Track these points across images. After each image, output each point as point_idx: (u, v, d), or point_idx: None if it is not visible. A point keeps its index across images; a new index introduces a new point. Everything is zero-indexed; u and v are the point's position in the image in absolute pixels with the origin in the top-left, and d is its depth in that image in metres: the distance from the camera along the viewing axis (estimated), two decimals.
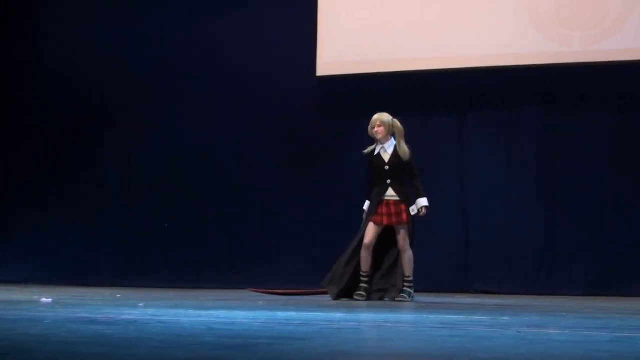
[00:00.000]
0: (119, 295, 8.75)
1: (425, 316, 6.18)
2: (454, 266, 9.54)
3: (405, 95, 11.16)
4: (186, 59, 12.15)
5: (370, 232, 8.51)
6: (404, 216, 8.50)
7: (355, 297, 8.45)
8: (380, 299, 8.52)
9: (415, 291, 8.88)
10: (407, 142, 8.64)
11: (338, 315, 5.99)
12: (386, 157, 8.57)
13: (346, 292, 8.54)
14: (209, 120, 11.97)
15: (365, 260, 8.51)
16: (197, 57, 12.10)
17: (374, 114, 8.64)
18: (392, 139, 8.61)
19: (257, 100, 11.83)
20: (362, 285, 8.50)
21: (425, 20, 11.05)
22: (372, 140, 8.67)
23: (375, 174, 8.62)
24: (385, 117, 8.58)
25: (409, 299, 8.33)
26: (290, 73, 11.68)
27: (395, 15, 11.17)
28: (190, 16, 12.23)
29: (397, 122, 8.61)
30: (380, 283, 8.61)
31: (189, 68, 12.12)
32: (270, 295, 8.95)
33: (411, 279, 8.46)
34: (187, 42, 12.17)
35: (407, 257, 8.46)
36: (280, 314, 6.05)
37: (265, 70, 11.80)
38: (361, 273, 8.52)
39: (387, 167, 8.55)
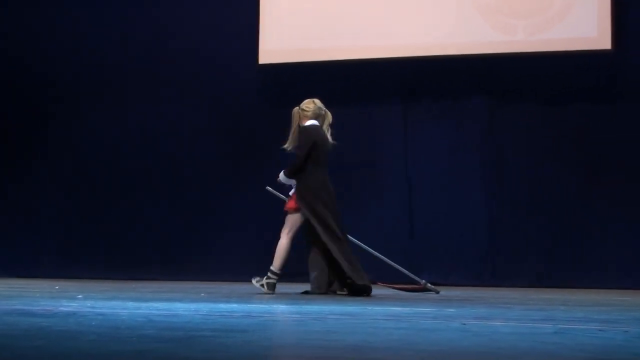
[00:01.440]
0: (57, 287, 8.62)
1: (370, 308, 6.14)
2: (399, 258, 9.51)
3: (349, 84, 11.13)
4: (127, 47, 11.99)
5: None
6: (289, 203, 8.22)
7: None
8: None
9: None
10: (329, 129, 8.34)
11: (281, 308, 5.93)
12: None
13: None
14: (150, 110, 11.83)
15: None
16: (138, 46, 11.96)
17: (314, 99, 8.49)
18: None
19: (199, 89, 11.72)
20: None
21: (369, 9, 11.00)
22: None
23: None
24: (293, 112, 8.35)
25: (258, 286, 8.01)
26: (233, 61, 11.60)
27: (339, 3, 11.11)
28: (131, 3, 12.08)
29: (294, 110, 8.31)
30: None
31: (130, 57, 11.97)
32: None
33: (275, 271, 8.08)
34: (128, 30, 12.01)
35: (279, 244, 8.17)
36: (223, 306, 5.98)
37: (207, 58, 11.69)
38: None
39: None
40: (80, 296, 6.91)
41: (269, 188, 8.64)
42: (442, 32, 10.74)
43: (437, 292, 8.42)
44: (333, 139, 8.36)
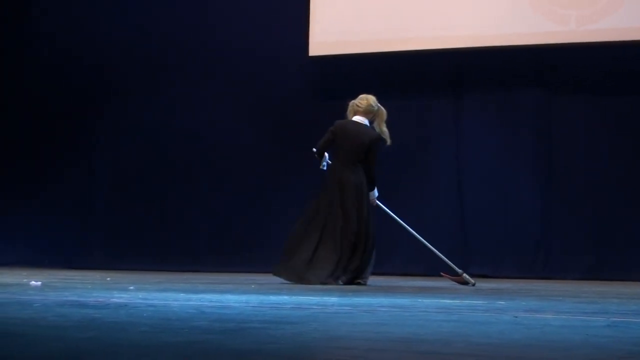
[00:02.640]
0: (109, 279, 8.69)
1: (420, 300, 6.12)
2: (450, 250, 9.46)
3: (400, 75, 11.10)
4: (177, 41, 12.08)
5: None
6: None
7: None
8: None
9: (411, 275, 8.85)
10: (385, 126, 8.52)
11: (332, 300, 5.93)
12: None
13: None
14: (200, 103, 11.91)
15: None
16: (187, 39, 12.04)
17: (369, 95, 8.53)
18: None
19: (249, 82, 11.76)
20: None
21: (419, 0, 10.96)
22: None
23: None
24: None
25: None
26: (282, 53, 11.62)
27: None
28: None
29: (350, 103, 8.58)
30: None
31: (179, 50, 12.06)
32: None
33: None
34: (177, 24, 12.10)
35: None
36: (273, 298, 5.99)
37: (257, 50, 11.73)
38: None
39: None
40: (132, 288, 6.96)
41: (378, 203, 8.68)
42: (494, 23, 10.66)
43: (473, 284, 8.36)
44: (390, 134, 8.42)
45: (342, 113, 10.29)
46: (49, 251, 12.11)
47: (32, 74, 12.62)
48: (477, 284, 8.36)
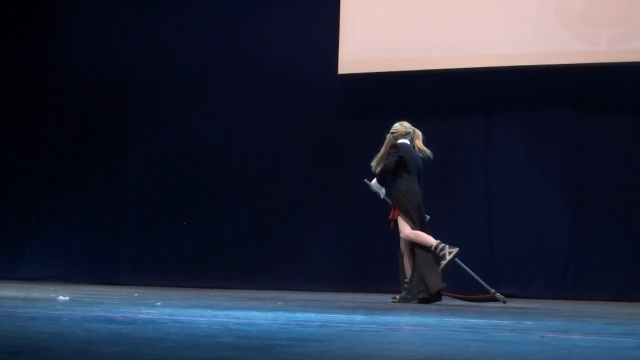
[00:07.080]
0: (136, 294, 8.72)
1: (447, 319, 6.10)
2: (478, 269, 9.41)
3: (429, 94, 11.09)
4: (208, 57, 12.14)
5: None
6: (393, 213, 8.60)
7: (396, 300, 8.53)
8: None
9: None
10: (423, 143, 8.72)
11: (358, 318, 5.92)
12: None
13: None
14: (229, 119, 11.94)
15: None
16: (218, 55, 12.09)
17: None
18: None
19: (278, 99, 11.79)
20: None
21: (449, 18, 10.96)
22: None
23: None
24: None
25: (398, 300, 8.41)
26: (312, 71, 11.64)
27: (419, 12, 11.08)
28: (211, 14, 12.21)
29: (387, 137, 8.74)
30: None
31: (210, 66, 12.10)
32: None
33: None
34: (208, 40, 12.15)
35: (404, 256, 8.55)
36: (300, 315, 5.99)
37: (286, 68, 11.76)
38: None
39: None
40: (159, 304, 6.98)
41: (366, 180, 8.79)
42: (523, 42, 10.64)
43: (504, 302, 8.39)
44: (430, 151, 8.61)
45: (371, 131, 10.38)
46: (77, 266, 12.16)
47: (63, 92, 12.70)
48: (499, 304, 8.35)
